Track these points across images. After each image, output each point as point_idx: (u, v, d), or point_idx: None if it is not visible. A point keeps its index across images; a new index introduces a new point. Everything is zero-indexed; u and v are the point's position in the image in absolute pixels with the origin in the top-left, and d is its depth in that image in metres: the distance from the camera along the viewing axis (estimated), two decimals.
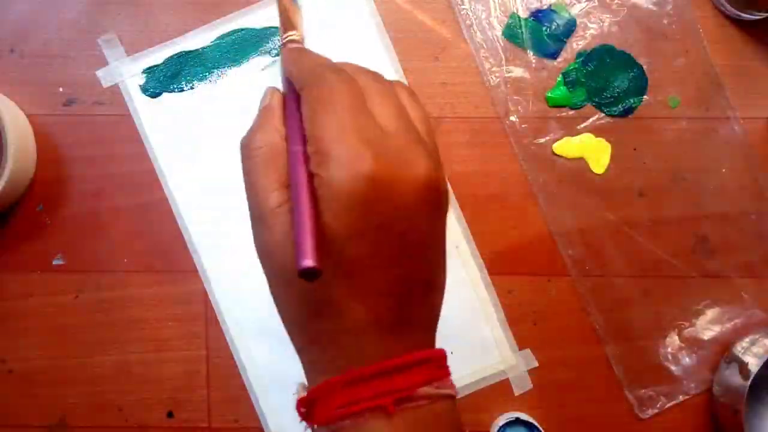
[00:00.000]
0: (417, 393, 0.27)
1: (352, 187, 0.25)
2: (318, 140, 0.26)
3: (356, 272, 0.26)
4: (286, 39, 0.42)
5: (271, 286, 0.29)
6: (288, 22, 0.44)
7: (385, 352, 0.27)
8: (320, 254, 0.24)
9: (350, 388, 0.27)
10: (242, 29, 0.50)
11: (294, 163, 0.27)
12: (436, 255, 0.29)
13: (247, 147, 0.29)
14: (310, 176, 0.26)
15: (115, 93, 0.50)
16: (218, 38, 0.50)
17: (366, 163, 0.25)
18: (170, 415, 0.49)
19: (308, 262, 0.24)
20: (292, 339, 0.30)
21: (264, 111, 0.31)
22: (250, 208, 0.29)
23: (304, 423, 0.29)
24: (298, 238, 0.25)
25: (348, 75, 0.28)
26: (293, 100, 0.30)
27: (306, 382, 0.30)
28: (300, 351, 0.30)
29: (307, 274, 0.24)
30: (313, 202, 0.26)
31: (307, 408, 0.28)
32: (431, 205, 0.27)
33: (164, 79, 0.50)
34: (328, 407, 0.27)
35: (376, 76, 0.30)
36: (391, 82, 0.30)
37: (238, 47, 0.50)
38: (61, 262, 0.49)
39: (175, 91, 0.50)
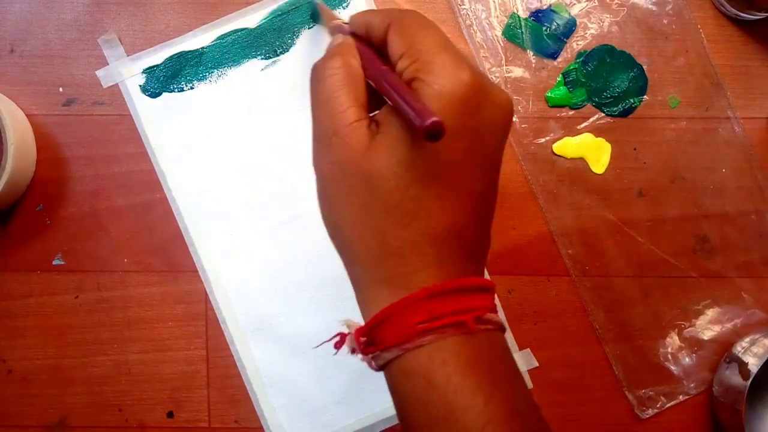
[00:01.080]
0: (488, 316, 0.27)
1: (455, 88, 0.26)
2: (419, 52, 0.27)
3: (449, 174, 0.27)
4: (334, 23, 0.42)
5: (338, 204, 0.29)
6: (330, 14, 0.45)
7: (462, 269, 0.28)
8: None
9: (431, 302, 0.27)
10: (242, 29, 0.50)
11: (386, 74, 0.28)
12: (498, 185, 0.30)
13: (322, 68, 0.30)
14: (406, 83, 0.27)
15: (115, 93, 0.50)
16: (218, 38, 0.50)
17: (466, 72, 0.27)
18: (170, 415, 0.49)
19: (434, 117, 0.24)
20: (361, 258, 0.29)
21: (337, 45, 0.32)
22: (320, 126, 0.29)
23: (358, 355, 0.29)
24: (413, 106, 0.25)
25: None
26: (367, 48, 0.31)
27: (352, 319, 0.29)
28: (369, 269, 0.29)
29: (435, 131, 0.24)
30: (416, 95, 0.26)
31: (369, 334, 0.28)
32: (508, 131, 0.29)
33: (164, 79, 0.50)
34: (405, 324, 0.27)
35: None
36: None
37: (238, 47, 0.50)
38: (61, 262, 0.49)
39: (175, 91, 0.50)
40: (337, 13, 0.47)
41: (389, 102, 0.28)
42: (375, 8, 0.50)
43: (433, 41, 0.28)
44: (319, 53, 0.32)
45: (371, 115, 0.30)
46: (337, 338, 0.30)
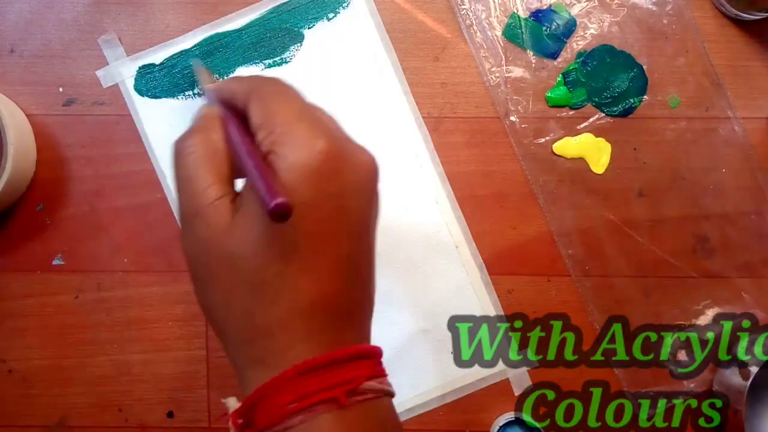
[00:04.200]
0: (363, 386, 0.27)
1: (308, 158, 0.26)
2: (275, 124, 0.27)
3: (311, 245, 0.27)
4: (206, 87, 0.41)
5: (206, 286, 0.28)
6: (207, 77, 0.43)
7: (335, 340, 0.27)
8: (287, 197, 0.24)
9: (302, 380, 0.26)
10: (242, 29, 0.50)
11: (244, 148, 0.27)
12: (373, 245, 0.30)
13: (182, 145, 0.29)
14: (263, 157, 0.27)
15: (115, 93, 0.50)
16: (218, 38, 0.50)
17: (321, 141, 0.26)
18: (170, 415, 0.49)
19: (281, 198, 0.24)
20: (233, 339, 0.28)
21: (201, 117, 0.31)
22: (183, 207, 0.28)
23: None
24: (264, 186, 0.25)
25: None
26: (232, 114, 0.30)
27: (235, 398, 0.28)
28: (242, 350, 0.28)
29: (281, 212, 0.24)
30: (271, 171, 0.26)
31: (245, 416, 0.27)
32: (374, 193, 0.29)
33: (164, 84, 0.50)
34: (276, 405, 0.26)
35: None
36: None
37: (237, 48, 0.50)
38: (61, 262, 0.49)
39: (176, 98, 0.50)
40: (212, 77, 0.45)
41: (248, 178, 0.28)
42: (374, 9, 0.50)
43: (289, 111, 0.27)
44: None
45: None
46: (226, 416, 0.29)
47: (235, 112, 0.30)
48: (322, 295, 0.27)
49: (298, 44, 0.50)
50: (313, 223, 0.26)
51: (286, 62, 0.50)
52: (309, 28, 0.50)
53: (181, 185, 0.29)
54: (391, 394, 0.29)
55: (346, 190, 0.27)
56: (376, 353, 0.29)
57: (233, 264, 0.27)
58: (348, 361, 0.27)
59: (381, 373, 0.28)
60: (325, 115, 0.29)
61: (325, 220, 0.27)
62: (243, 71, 0.50)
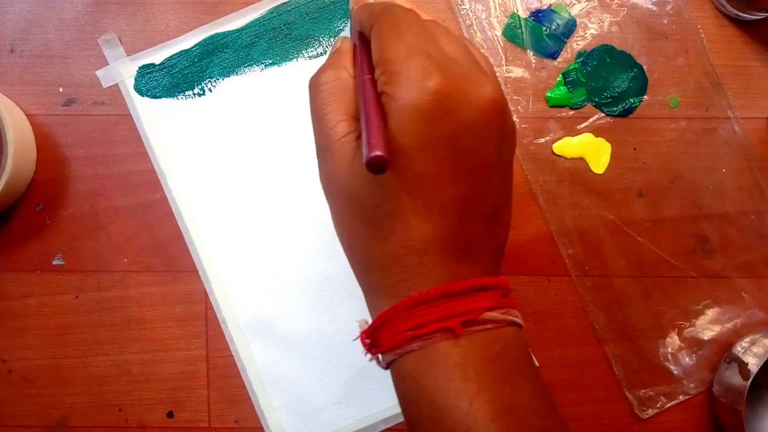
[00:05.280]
0: (483, 317, 0.27)
1: (418, 99, 0.26)
2: (387, 62, 0.27)
3: (423, 187, 0.27)
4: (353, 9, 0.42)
5: (335, 216, 0.30)
6: None
7: (450, 275, 0.28)
8: (390, 153, 0.25)
9: (417, 310, 0.27)
10: (241, 29, 0.50)
11: (363, 88, 0.28)
12: (502, 185, 0.29)
13: (315, 83, 0.30)
14: (379, 96, 0.27)
15: (115, 93, 0.50)
16: (219, 38, 0.50)
17: (433, 79, 0.26)
18: (170, 415, 0.49)
19: (377, 151, 0.24)
20: (356, 267, 0.30)
21: (333, 53, 0.32)
22: (317, 141, 0.30)
23: (368, 356, 0.30)
24: (366, 135, 0.25)
25: (415, 12, 0.30)
26: (363, 45, 0.30)
27: (367, 319, 0.30)
28: (363, 277, 0.30)
29: (376, 165, 0.24)
30: (381, 116, 0.26)
31: (371, 337, 0.29)
32: (497, 129, 0.28)
33: (165, 85, 0.50)
34: (396, 331, 0.27)
35: (442, 25, 0.31)
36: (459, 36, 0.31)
37: (238, 48, 0.50)
38: (61, 262, 0.49)
39: (176, 97, 0.50)
40: None
41: None
42: None
43: (401, 46, 0.27)
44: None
45: None
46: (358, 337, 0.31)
47: (368, 45, 0.30)
48: (435, 234, 0.27)
49: (299, 44, 0.50)
50: (425, 165, 0.26)
51: (286, 62, 0.50)
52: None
53: (314, 122, 0.30)
54: (517, 324, 0.29)
55: (460, 131, 0.26)
56: (500, 285, 0.29)
57: (351, 200, 0.28)
58: (465, 294, 0.28)
59: (505, 305, 0.29)
60: (449, 40, 0.29)
61: (438, 161, 0.27)
62: (243, 71, 0.50)
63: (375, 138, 0.25)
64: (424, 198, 0.27)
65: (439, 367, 0.27)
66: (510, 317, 0.29)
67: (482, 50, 0.49)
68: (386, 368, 0.30)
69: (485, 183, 0.28)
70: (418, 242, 0.27)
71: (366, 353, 0.30)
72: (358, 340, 0.30)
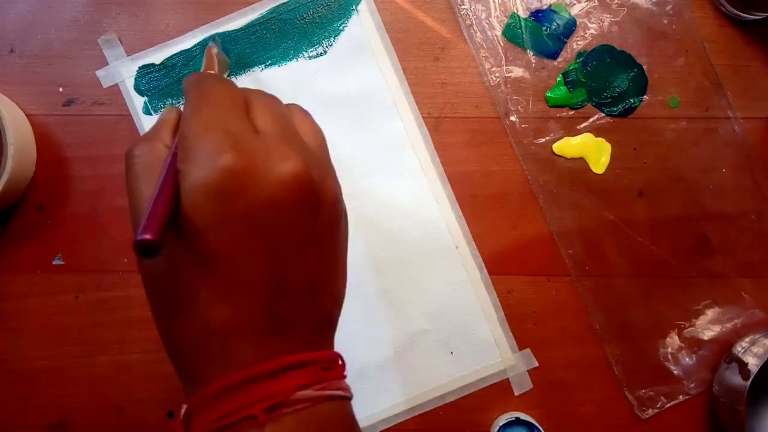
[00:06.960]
0: (294, 397, 0.26)
1: (208, 177, 0.24)
2: (183, 137, 0.26)
3: (219, 267, 0.25)
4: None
5: (148, 298, 0.28)
6: (210, 64, 0.43)
7: (258, 355, 0.26)
8: (161, 236, 0.23)
9: (222, 397, 0.26)
10: (240, 29, 0.50)
11: (166, 163, 0.27)
12: (321, 258, 0.28)
13: (129, 155, 0.28)
14: (176, 173, 0.26)
15: (115, 93, 0.50)
16: (219, 38, 0.50)
17: (225, 156, 0.24)
18: (170, 415, 0.49)
19: (145, 235, 0.23)
20: (168, 352, 0.29)
21: (155, 123, 0.30)
22: (131, 215, 0.28)
23: None
24: (144, 216, 0.24)
25: (231, 83, 0.28)
26: None
27: (184, 407, 0.28)
28: (174, 363, 0.28)
29: (143, 248, 0.23)
30: (172, 194, 0.25)
31: (186, 427, 0.27)
32: (305, 205, 0.26)
33: (162, 88, 0.50)
34: (204, 420, 0.26)
35: (270, 95, 0.29)
36: (285, 104, 0.30)
37: (237, 48, 0.50)
38: (61, 262, 0.49)
39: (176, 102, 0.50)
40: (216, 65, 0.44)
41: None
42: (374, 9, 0.50)
43: (200, 122, 0.26)
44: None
45: None
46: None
47: None
48: (236, 315, 0.26)
49: (299, 44, 0.50)
50: (219, 244, 0.25)
51: (286, 62, 0.50)
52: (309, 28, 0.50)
53: (128, 194, 0.28)
54: (340, 397, 0.28)
55: (257, 208, 0.25)
56: (321, 359, 0.27)
57: (155, 283, 0.27)
58: (273, 375, 0.26)
59: (327, 378, 0.27)
60: (264, 112, 0.27)
61: (233, 240, 0.25)
62: (243, 71, 0.50)
63: (150, 219, 0.24)
64: (221, 278, 0.25)
65: None
66: (328, 392, 0.27)
67: (482, 50, 0.49)
68: None
69: (294, 258, 0.27)
70: (218, 325, 0.26)
71: None
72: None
